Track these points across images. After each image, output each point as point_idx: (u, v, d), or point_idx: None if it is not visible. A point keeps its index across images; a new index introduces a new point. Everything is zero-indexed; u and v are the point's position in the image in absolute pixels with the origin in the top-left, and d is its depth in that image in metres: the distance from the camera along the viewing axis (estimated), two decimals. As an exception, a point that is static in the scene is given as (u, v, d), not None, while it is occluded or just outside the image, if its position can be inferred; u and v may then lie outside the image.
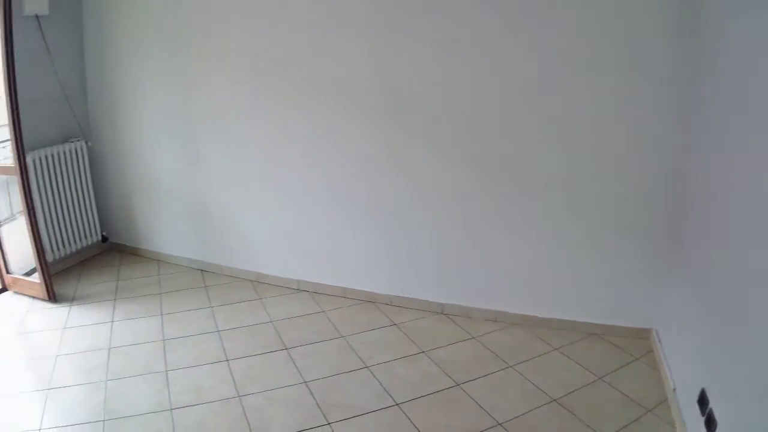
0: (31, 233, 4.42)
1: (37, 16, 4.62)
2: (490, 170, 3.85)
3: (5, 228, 4.87)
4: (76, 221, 5.19)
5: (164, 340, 3.89)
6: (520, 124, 3.72)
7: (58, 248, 5.07)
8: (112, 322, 4.21)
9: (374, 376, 3.47)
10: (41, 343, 4.07)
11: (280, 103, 4.26)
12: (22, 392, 3.49)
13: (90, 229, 5.34)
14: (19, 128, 4.21)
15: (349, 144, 4.13)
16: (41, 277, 4.57)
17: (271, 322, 4.05)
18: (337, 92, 4.07)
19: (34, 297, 4.75)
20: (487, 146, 3.82)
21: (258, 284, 4.68)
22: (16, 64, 4.13)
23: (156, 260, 5.28)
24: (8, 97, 4.13)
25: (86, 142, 5.15)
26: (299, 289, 4.57)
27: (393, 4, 3.80)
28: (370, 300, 4.35)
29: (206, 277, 4.84)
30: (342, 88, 4.05)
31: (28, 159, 4.54)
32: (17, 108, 4.16)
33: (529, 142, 3.73)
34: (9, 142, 4.36)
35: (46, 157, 4.83)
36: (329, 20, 3.96)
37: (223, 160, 4.60)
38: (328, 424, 3.07)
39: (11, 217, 4.92)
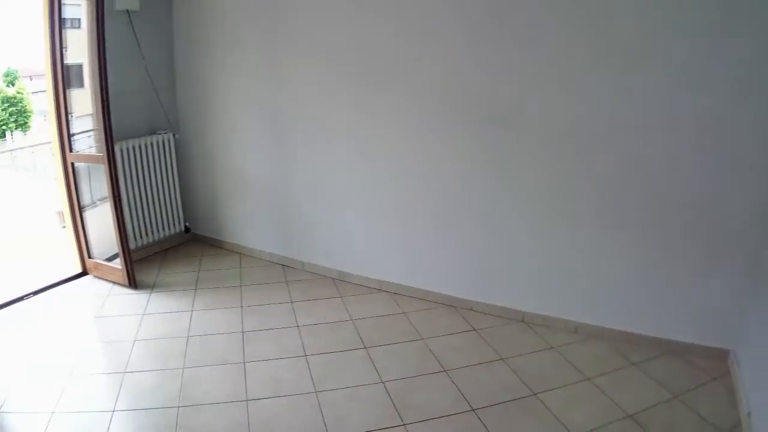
0: (115, 220, 4.49)
1: (128, 11, 4.73)
2: (584, 186, 3.65)
3: (87, 214, 4.98)
4: (160, 211, 5.28)
5: (243, 332, 3.86)
6: (625, 142, 3.52)
7: (141, 236, 5.16)
8: (192, 311, 4.22)
9: (452, 381, 3.34)
10: (119, 328, 4.12)
11: (374, 101, 4.14)
12: (99, 374, 3.54)
13: (173, 220, 5.42)
14: (109, 119, 4.28)
15: (446, 148, 3.97)
16: (123, 263, 4.63)
17: (352, 320, 3.96)
18: (436, 95, 3.93)
19: (114, 282, 4.83)
20: (586, 164, 3.63)
21: (340, 282, 4.60)
22: (108, 57, 4.22)
23: (238, 253, 5.28)
24: (99, 89, 4.21)
25: (174, 135, 5.23)
26: (381, 289, 4.46)
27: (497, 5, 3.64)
28: (451, 304, 4.20)
29: (288, 273, 4.79)
30: (443, 91, 3.90)
31: (116, 148, 4.63)
32: (107, 99, 4.24)
33: (632, 159, 3.52)
34: (93, 132, 4.45)
35: (134, 148, 4.92)
36: (433, 21, 3.82)
37: (310, 156, 4.54)
38: (404, 425, 2.96)
39: (92, 204, 5.02)
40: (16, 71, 41.66)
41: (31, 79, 44.22)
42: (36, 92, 41.73)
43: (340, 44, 4.17)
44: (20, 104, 37.84)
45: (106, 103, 4.22)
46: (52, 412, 3.17)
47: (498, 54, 3.65)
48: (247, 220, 5.17)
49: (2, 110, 37.22)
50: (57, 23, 4.48)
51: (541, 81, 3.58)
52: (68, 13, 4.47)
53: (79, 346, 3.89)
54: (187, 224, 5.58)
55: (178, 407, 3.11)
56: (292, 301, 4.24)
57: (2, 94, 37.81)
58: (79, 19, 4.33)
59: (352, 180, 4.40)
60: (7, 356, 3.82)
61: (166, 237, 5.41)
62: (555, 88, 3.56)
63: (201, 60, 5.03)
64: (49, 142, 5.36)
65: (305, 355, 3.53)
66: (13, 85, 39.24)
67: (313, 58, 4.34)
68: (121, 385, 3.38)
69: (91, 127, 4.82)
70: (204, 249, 5.48)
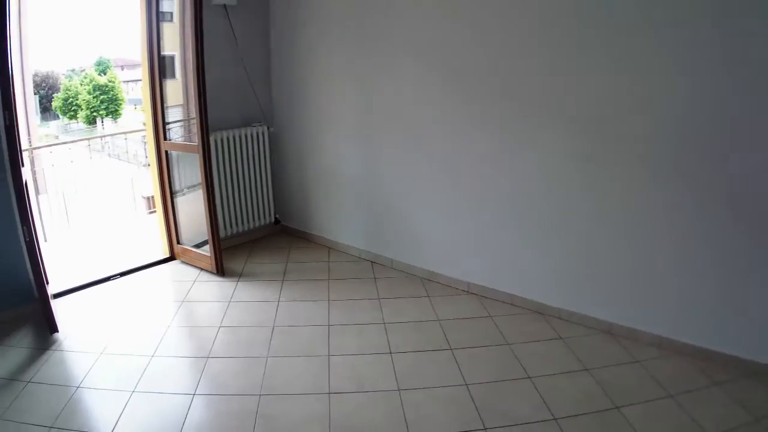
0: (207, 209, 4.59)
1: (225, 6, 4.85)
2: (680, 198, 3.47)
3: (176, 200, 5.14)
4: (251, 202, 5.38)
5: (329, 325, 3.86)
6: (737, 150, 3.29)
7: (231, 225, 5.27)
8: (278, 302, 4.26)
9: (535, 388, 3.23)
10: (205, 314, 4.22)
11: (468, 101, 4.03)
12: (182, 357, 3.64)
13: (264, 211, 5.51)
14: (205, 110, 4.38)
15: (542, 156, 3.81)
16: (212, 250, 4.74)
17: (438, 320, 3.88)
18: (524, 99, 3.80)
19: (201, 269, 4.95)
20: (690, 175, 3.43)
21: (427, 282, 4.51)
22: (205, 49, 4.32)
23: (326, 247, 5.31)
24: (196, 81, 4.31)
25: (268, 128, 5.32)
26: (468, 291, 4.35)
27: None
28: (538, 311, 4.06)
29: (376, 269, 4.76)
30: (541, 98, 3.76)
31: (210, 139, 4.74)
32: (204, 91, 4.34)
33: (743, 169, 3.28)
34: (183, 122, 4.56)
35: (228, 139, 5.04)
36: (531, 21, 3.70)
37: (401, 153, 4.48)
38: (485, 429, 2.88)
39: (181, 191, 5.15)
40: (108, 61, 43.62)
41: (122, 69, 46.24)
42: (127, 81, 43.54)
43: (432, 46, 4.11)
44: (111, 92, 39.64)
45: (202, 94, 4.32)
46: (132, 391, 3.26)
47: (590, 61, 3.51)
48: (337, 215, 5.19)
49: (94, 97, 39.04)
50: (154, 16, 4.65)
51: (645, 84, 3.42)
52: (162, 6, 4.63)
53: (163, 329, 4.00)
54: (277, 216, 5.67)
55: (259, 395, 3.12)
56: (379, 298, 4.21)
57: (94, 82, 39.64)
58: (171, 13, 4.47)
59: (443, 180, 4.30)
60: (93, 335, 3.99)
61: (256, 227, 5.51)
62: (658, 91, 3.39)
63: (296, 55, 5.08)
64: (140, 130, 5.56)
65: (390, 353, 3.49)
66: (104, 74, 41.13)
67: (406, 57, 4.29)
68: (203, 369, 3.44)
69: (180, 118, 4.96)
70: (292, 241, 5.54)
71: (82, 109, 40.24)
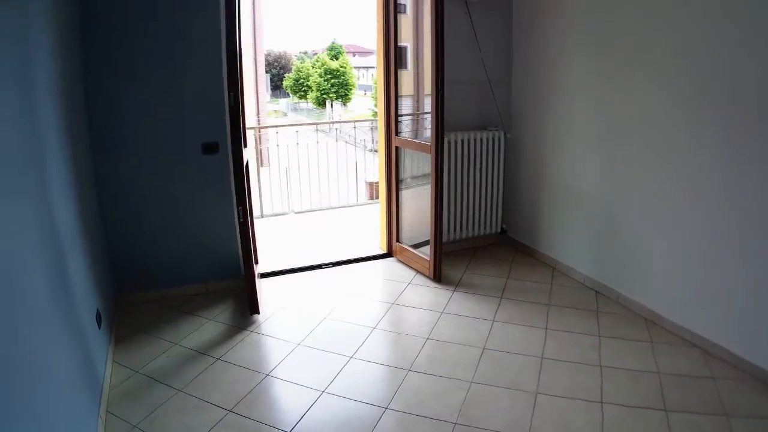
0: (433, 212, 4.47)
1: (466, 2, 4.69)
2: None
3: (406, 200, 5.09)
4: (479, 208, 5.18)
5: (542, 357, 3.49)
6: None
7: (454, 230, 5.11)
8: (493, 321, 3.99)
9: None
10: (414, 321, 4.09)
11: (728, 122, 3.28)
12: (381, 364, 3.54)
13: (490, 219, 5.27)
14: (441, 111, 4.25)
15: None
16: (432, 254, 4.59)
17: (658, 373, 3.29)
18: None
19: (417, 271, 4.84)
20: None
21: (651, 324, 3.89)
22: (445, 47, 4.16)
23: (550, 267, 4.90)
24: (434, 80, 4.19)
25: (505, 134, 5.05)
26: (692, 342, 3.64)
27: None
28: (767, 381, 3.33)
29: (599, 301, 4.25)
30: None
31: (444, 139, 4.59)
32: (442, 91, 4.21)
33: None
34: (413, 116, 4.46)
35: (462, 141, 4.88)
36: None
37: (643, 177, 3.89)
38: None
39: (406, 185, 5.07)
40: (341, 46, 45.93)
41: (354, 56, 48.34)
42: (358, 68, 45.51)
43: (692, 55, 3.42)
44: (342, 77, 41.65)
45: (440, 95, 4.20)
46: (323, 391, 3.22)
47: None
48: (566, 234, 4.74)
49: (324, 81, 41.23)
50: (392, 6, 4.64)
51: None
52: None
53: (367, 330, 3.95)
54: (504, 226, 5.38)
55: (455, 423, 2.89)
56: (599, 335, 3.73)
57: (325, 66, 41.84)
58: (405, 5, 4.37)
59: (682, 211, 3.63)
60: (293, 323, 4.08)
61: (480, 235, 5.29)
62: None
63: (540, 57, 4.74)
64: (368, 119, 5.61)
65: (601, 402, 3.02)
66: (336, 59, 43.32)
67: (654, 72, 3.70)
68: (402, 382, 3.30)
69: (410, 109, 4.89)
70: (516, 255, 5.22)
71: (312, 90, 43.10)
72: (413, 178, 5.03)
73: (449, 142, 4.81)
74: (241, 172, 3.85)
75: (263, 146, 12.03)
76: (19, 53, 2.42)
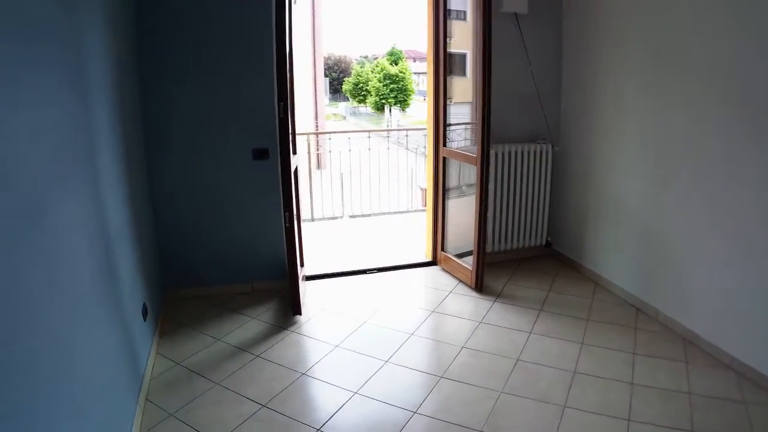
0: (477, 223, 4.50)
1: (516, 15, 4.71)
2: None
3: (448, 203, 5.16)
4: (524, 220, 5.19)
5: (574, 372, 3.50)
6: None
7: (499, 241, 5.14)
8: (530, 333, 4.01)
9: None
10: (452, 329, 4.16)
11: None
12: (415, 369, 3.61)
13: (535, 231, 5.28)
14: (488, 125, 4.30)
15: None
16: (475, 264, 4.64)
17: (689, 394, 3.24)
18: None
19: (459, 280, 4.90)
20: None
21: (688, 344, 3.82)
22: (493, 58, 4.22)
23: (593, 282, 4.88)
24: (481, 94, 4.24)
25: (553, 146, 5.06)
26: (728, 365, 3.55)
27: None
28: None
29: (639, 318, 4.21)
30: None
31: (491, 151, 4.64)
32: (489, 105, 4.26)
33: None
34: (467, 125, 4.51)
35: (509, 153, 4.92)
36: None
37: (689, 197, 3.83)
38: None
39: (455, 191, 5.12)
40: (401, 52, 45.92)
41: (414, 61, 48.26)
42: (417, 73, 45.48)
43: (748, 78, 3.33)
44: (401, 83, 41.64)
45: (487, 109, 4.25)
46: (355, 393, 3.33)
47: None
48: (610, 249, 4.71)
49: (384, 85, 41.27)
50: (442, 14, 4.69)
51: None
52: (454, 4, 4.61)
53: (405, 336, 4.04)
54: (549, 239, 5.38)
55: (480, 431, 2.96)
56: (634, 353, 3.71)
57: (385, 71, 41.89)
58: (465, 12, 4.41)
59: (728, 234, 3.55)
60: (333, 325, 4.21)
61: (524, 247, 5.30)
62: None
63: (590, 71, 4.72)
64: (421, 128, 5.71)
65: (628, 420, 3.00)
66: (396, 64, 43.31)
67: (710, 89, 3.61)
68: (433, 388, 3.37)
69: (466, 114, 4.95)
70: (560, 268, 5.21)
71: (371, 95, 43.20)
72: (459, 187, 5.08)
73: (497, 154, 4.85)
74: (288, 179, 4.01)
75: (320, 149, 12.29)
76: (74, 59, 2.62)
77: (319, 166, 12.74)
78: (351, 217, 7.88)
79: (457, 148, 4.97)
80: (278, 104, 3.89)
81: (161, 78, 4.27)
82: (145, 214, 4.12)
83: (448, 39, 4.80)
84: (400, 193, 9.01)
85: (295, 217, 4.12)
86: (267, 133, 4.39)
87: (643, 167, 4.24)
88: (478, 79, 4.25)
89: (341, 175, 8.71)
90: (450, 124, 5.00)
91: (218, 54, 4.34)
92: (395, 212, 8.09)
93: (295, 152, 4.46)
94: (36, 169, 2.01)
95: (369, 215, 7.93)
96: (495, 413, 3.10)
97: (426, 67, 5.02)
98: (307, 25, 22.55)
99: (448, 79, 4.87)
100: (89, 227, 2.62)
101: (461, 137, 5.25)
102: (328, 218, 7.77)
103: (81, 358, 2.26)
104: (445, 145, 4.98)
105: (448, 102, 4.94)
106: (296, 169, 4.50)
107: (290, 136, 4.04)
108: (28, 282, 1.84)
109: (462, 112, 5.28)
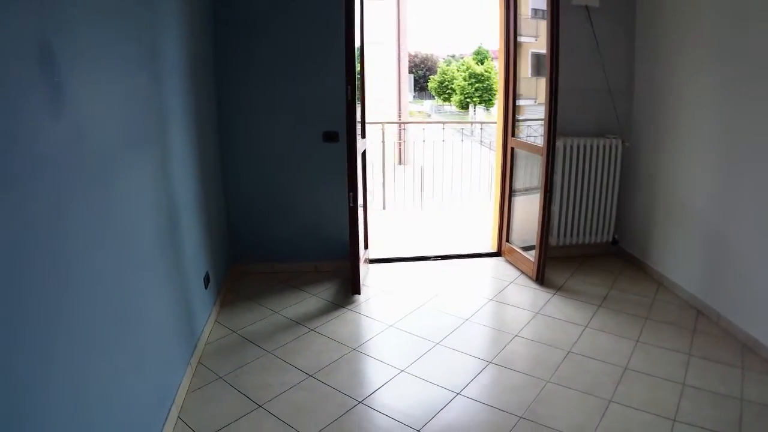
0: (540, 214, 4.50)
1: (586, 7, 4.65)
2: None
3: (517, 199, 5.16)
4: (591, 216, 5.12)
5: (625, 368, 3.46)
6: None
7: (564, 236, 5.11)
8: (585, 327, 4.00)
9: None
10: (508, 318, 4.20)
11: None
12: (464, 352, 3.67)
13: (602, 228, 5.20)
14: (554, 114, 4.28)
15: None
16: (536, 256, 4.65)
17: (740, 400, 3.14)
18: None
19: (522, 272, 4.90)
20: None
21: (747, 350, 3.68)
22: (564, 52, 4.21)
23: (657, 282, 4.77)
24: (549, 83, 4.23)
25: (623, 142, 4.97)
26: None
27: None
28: None
29: (699, 321, 4.09)
30: None
31: (558, 144, 4.64)
32: (555, 94, 4.24)
33: None
34: (537, 122, 4.53)
35: (578, 146, 4.86)
36: None
37: (760, 199, 3.66)
38: None
39: (523, 191, 5.10)
40: (487, 51, 45.33)
41: None
42: None
43: None
44: (486, 82, 41.25)
45: (553, 98, 4.23)
46: (402, 370, 3.44)
47: None
48: (676, 249, 4.58)
49: (469, 85, 40.95)
50: (512, 12, 4.75)
51: None
52: (537, 3, 4.60)
53: (460, 321, 4.12)
54: (615, 236, 5.29)
55: (520, 418, 2.98)
56: (689, 354, 3.62)
57: (470, 70, 41.53)
58: (544, 11, 4.41)
59: None
60: (391, 306, 4.34)
61: (590, 243, 5.23)
62: None
63: (664, 66, 4.59)
64: (493, 122, 5.77)
65: (674, 420, 2.96)
66: (482, 63, 42.81)
67: None
68: (479, 372, 3.42)
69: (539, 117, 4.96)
70: (624, 267, 5.12)
71: (455, 93, 42.82)
72: (528, 188, 5.06)
73: (564, 147, 4.81)
74: (353, 160, 4.15)
75: (402, 143, 12.47)
76: (149, 45, 2.87)
77: (401, 162, 12.97)
78: (426, 207, 7.97)
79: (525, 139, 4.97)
80: (346, 87, 4.03)
81: (237, 63, 4.54)
82: (215, 190, 4.36)
83: (533, 38, 4.88)
84: (473, 184, 9.06)
85: (359, 198, 4.25)
86: (337, 118, 4.53)
87: (716, 169, 4.10)
88: (546, 65, 4.23)
89: (421, 168, 8.85)
90: (519, 120, 5.03)
91: (295, 41, 4.57)
92: (470, 204, 8.17)
93: (363, 136, 4.70)
94: (109, 134, 2.26)
95: (444, 206, 8.04)
96: (538, 401, 3.13)
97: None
98: (392, 21, 22.70)
99: (536, 80, 4.92)
100: (154, 193, 2.85)
101: (538, 133, 5.25)
102: (405, 208, 7.91)
103: (134, 312, 2.48)
104: (513, 136, 4.98)
105: (518, 98, 5.01)
106: (364, 152, 4.64)
107: (358, 119, 4.18)
108: (95, 232, 2.09)
109: (540, 112, 5.29)
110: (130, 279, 2.41)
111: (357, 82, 4.10)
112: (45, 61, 1.72)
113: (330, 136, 4.68)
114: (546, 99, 4.25)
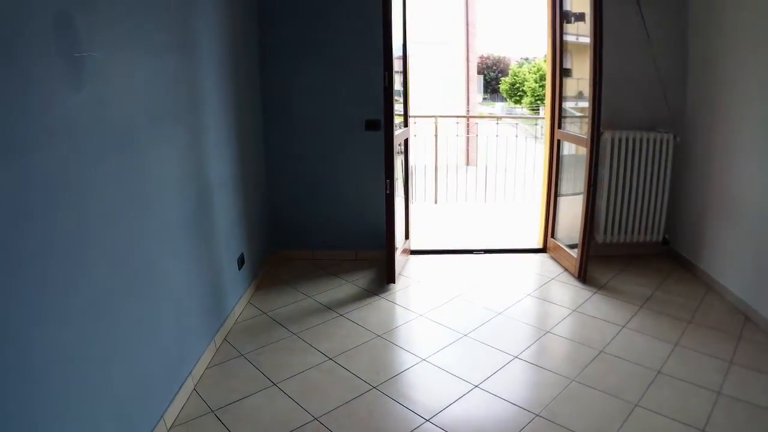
0: (584, 209, 4.37)
1: None
2: None
3: (569, 199, 4.99)
4: (640, 214, 4.90)
5: (658, 371, 3.29)
6: None
7: (611, 233, 4.92)
8: (623, 327, 3.84)
9: None
10: (543, 314, 4.11)
11: None
12: (489, 345, 3.61)
13: (651, 227, 4.95)
14: (598, 104, 4.13)
15: None
16: (579, 253, 4.52)
17: None
18: None
19: (565, 269, 4.78)
20: None
21: None
22: (612, 42, 4.12)
23: (706, 285, 4.51)
24: (593, 73, 4.09)
25: (674, 137, 4.72)
26: None
27: None
28: None
29: (746, 327, 3.84)
30: None
31: (606, 136, 4.49)
32: (600, 84, 4.09)
33: None
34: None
35: (626, 140, 4.68)
36: None
37: None
38: None
39: (572, 191, 4.95)
40: None
41: None
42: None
43: None
44: None
45: (598, 88, 4.10)
46: (423, 359, 3.40)
47: None
48: (727, 252, 4.31)
49: (539, 86, 40.74)
50: (558, 14, 4.75)
51: None
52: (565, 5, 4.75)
53: (492, 314, 4.04)
54: (666, 236, 5.04)
55: (536, 416, 2.88)
56: (731, 361, 3.41)
57: (541, 72, 41.04)
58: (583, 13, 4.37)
59: None
60: (424, 296, 4.30)
61: (638, 242, 5.01)
62: None
63: (722, 59, 4.30)
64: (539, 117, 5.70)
65: (702, 430, 2.75)
66: None
67: None
68: (503, 366, 3.35)
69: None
70: (673, 268, 4.88)
71: (526, 96, 42.10)
72: (575, 185, 4.91)
73: (612, 140, 4.62)
74: (390, 145, 4.11)
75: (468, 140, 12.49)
76: (182, 27, 2.96)
77: (467, 162, 13.09)
78: (480, 202, 7.89)
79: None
80: (384, 74, 4.02)
81: (281, 52, 4.61)
82: (255, 174, 4.43)
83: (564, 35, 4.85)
84: (527, 180, 8.95)
85: (400, 188, 4.23)
86: (380, 107, 4.49)
87: (761, 166, 3.85)
88: (589, 53, 4.08)
89: (486, 167, 8.82)
90: (565, 116, 4.91)
91: (340, 29, 4.64)
92: (522, 199, 8.07)
93: (406, 125, 4.80)
94: (134, 111, 2.37)
95: (498, 201, 7.98)
96: (558, 400, 3.02)
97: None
98: (460, 22, 22.59)
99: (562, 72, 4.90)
100: (184, 168, 2.94)
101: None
102: (459, 202, 7.86)
103: (159, 280, 2.55)
104: (560, 128, 4.85)
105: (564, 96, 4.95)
106: (407, 141, 4.64)
107: (399, 109, 4.20)
108: (116, 195, 2.20)
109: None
110: (151, 247, 2.47)
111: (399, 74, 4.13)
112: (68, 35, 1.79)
113: (372, 125, 4.69)
114: (590, 86, 4.10)
